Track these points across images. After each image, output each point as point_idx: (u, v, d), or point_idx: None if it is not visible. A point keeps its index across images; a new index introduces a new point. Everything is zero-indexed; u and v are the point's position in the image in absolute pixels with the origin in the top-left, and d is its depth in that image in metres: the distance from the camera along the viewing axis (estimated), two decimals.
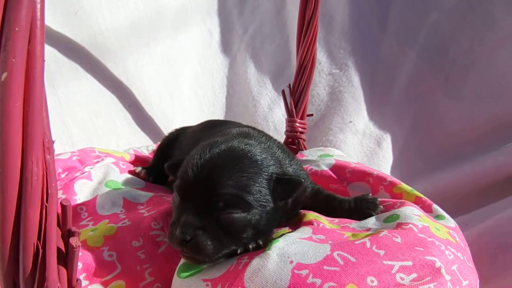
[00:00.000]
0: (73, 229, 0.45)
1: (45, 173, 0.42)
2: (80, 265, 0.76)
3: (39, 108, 0.41)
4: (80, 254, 0.78)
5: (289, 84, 1.40)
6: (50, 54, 1.33)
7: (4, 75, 0.37)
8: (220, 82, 1.78)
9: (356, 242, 0.70)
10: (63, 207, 0.44)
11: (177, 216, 0.74)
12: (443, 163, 1.56)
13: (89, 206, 0.93)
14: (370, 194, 1.00)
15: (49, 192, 0.42)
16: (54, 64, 1.34)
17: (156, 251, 0.83)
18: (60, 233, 0.46)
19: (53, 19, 1.37)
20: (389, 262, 0.66)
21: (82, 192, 0.96)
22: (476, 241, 1.17)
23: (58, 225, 0.45)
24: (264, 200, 0.76)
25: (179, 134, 1.23)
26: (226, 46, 1.83)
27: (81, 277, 0.76)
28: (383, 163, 1.58)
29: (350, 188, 1.16)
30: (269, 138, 0.97)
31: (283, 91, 1.42)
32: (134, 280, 0.78)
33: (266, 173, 0.77)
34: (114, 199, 0.95)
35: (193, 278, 0.73)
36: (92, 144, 1.36)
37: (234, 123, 1.17)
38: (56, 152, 1.17)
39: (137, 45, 1.55)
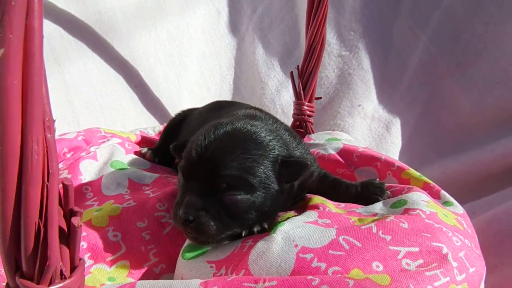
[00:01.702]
0: (75, 208, 0.45)
1: (45, 152, 0.41)
2: (85, 245, 0.77)
3: (38, 85, 0.40)
4: (84, 233, 0.78)
5: (298, 66, 1.37)
6: (56, 32, 1.32)
7: (1, 51, 0.35)
8: (227, 63, 1.75)
9: (362, 227, 0.69)
10: (65, 187, 0.44)
11: (181, 197, 0.73)
12: (452, 149, 1.54)
13: (94, 186, 0.93)
14: (378, 179, 0.98)
15: (50, 171, 0.42)
16: (59, 42, 1.33)
17: (161, 232, 0.83)
18: (62, 212, 0.45)
19: None
20: (395, 248, 0.65)
21: (87, 172, 0.96)
22: (484, 229, 1.16)
23: (60, 204, 0.45)
24: (269, 182, 0.75)
25: (186, 115, 1.21)
26: (234, 26, 1.80)
27: (86, 256, 0.76)
28: (391, 148, 1.56)
29: (358, 172, 1.14)
30: (276, 120, 0.95)
31: (291, 73, 1.40)
32: (138, 261, 0.78)
33: (272, 155, 0.76)
34: (119, 179, 0.94)
35: (197, 259, 0.73)
36: (98, 124, 1.36)
37: (242, 104, 1.15)
38: (62, 132, 1.17)
39: (144, 24, 1.53)
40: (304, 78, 1.36)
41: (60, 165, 0.98)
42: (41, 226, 0.42)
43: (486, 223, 1.18)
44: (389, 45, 1.63)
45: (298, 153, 0.90)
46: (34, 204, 0.41)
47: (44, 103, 0.41)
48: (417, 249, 0.66)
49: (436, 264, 0.64)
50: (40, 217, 0.42)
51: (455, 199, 1.49)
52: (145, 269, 0.78)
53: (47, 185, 0.42)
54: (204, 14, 1.73)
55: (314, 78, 1.36)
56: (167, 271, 0.79)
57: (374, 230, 0.68)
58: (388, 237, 0.67)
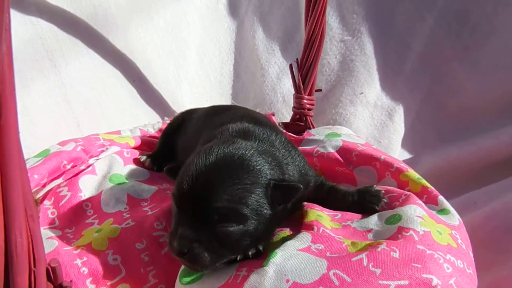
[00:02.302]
0: (64, 283, 0.46)
1: (30, 240, 0.42)
2: (86, 270, 0.79)
3: (17, 176, 0.40)
4: (85, 259, 0.80)
5: (297, 59, 1.34)
6: (50, 32, 1.29)
7: None
8: (227, 49, 1.71)
9: (353, 259, 0.70)
10: (53, 269, 0.45)
11: (175, 227, 0.75)
12: (456, 136, 1.52)
13: (94, 202, 0.95)
14: (375, 186, 0.99)
15: (36, 257, 0.43)
16: (53, 41, 1.30)
17: (160, 253, 0.85)
18: (52, 286, 0.46)
19: None
20: (385, 282, 0.66)
21: (87, 188, 0.98)
22: (483, 224, 1.17)
23: (49, 279, 0.46)
24: (261, 209, 0.76)
25: (184, 119, 1.21)
26: (233, 8, 1.74)
27: (88, 281, 0.79)
28: (394, 135, 1.55)
29: (356, 172, 1.15)
30: (271, 132, 0.94)
31: (290, 66, 1.37)
32: (138, 283, 0.81)
33: (263, 181, 0.76)
34: (118, 195, 0.96)
35: (193, 286, 0.75)
36: (97, 123, 1.37)
37: (238, 110, 1.14)
38: (61, 135, 1.18)
39: (139, 15, 1.49)
40: (304, 71, 1.34)
41: (60, 180, 1.00)
42: None
43: (485, 219, 1.19)
44: (392, 27, 1.57)
45: (291, 169, 0.89)
46: None
47: (25, 193, 0.42)
48: (407, 282, 0.67)
49: None
50: None
51: (457, 187, 1.50)
52: None
53: (34, 271, 0.43)
54: None
55: (313, 71, 1.33)
56: None
57: (365, 262, 0.69)
58: (378, 271, 0.68)
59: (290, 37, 1.66)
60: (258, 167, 0.77)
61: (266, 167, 0.78)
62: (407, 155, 1.59)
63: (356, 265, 0.69)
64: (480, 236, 1.14)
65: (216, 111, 1.13)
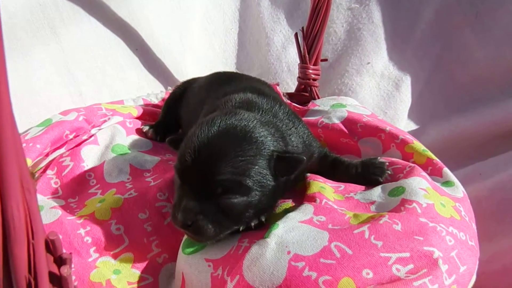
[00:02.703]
0: (64, 255, 0.46)
1: (27, 213, 0.42)
2: (89, 240, 0.80)
3: (12, 149, 0.40)
4: (88, 228, 0.81)
5: (302, 28, 1.31)
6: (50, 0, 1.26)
7: None
8: (231, 17, 1.67)
9: (355, 231, 0.70)
10: (52, 241, 0.45)
11: (178, 199, 0.75)
12: (464, 105, 1.49)
13: (97, 172, 0.95)
14: (379, 158, 0.97)
15: (33, 230, 0.43)
16: (53, 8, 1.27)
17: (162, 223, 0.86)
18: (53, 258, 0.47)
19: None
20: (386, 254, 0.66)
21: (89, 158, 0.98)
22: (488, 196, 1.17)
23: (49, 251, 0.46)
24: (265, 181, 0.75)
25: (186, 88, 1.19)
26: None
27: (91, 250, 0.80)
28: (400, 106, 1.52)
29: (361, 143, 1.14)
30: (274, 103, 0.93)
31: (295, 35, 1.34)
32: (142, 252, 0.82)
33: (267, 153, 0.76)
34: (121, 165, 0.96)
35: (196, 255, 0.76)
36: (100, 92, 1.35)
37: (241, 80, 1.11)
38: (63, 105, 1.18)
39: None
40: (309, 40, 1.30)
41: (62, 150, 1.00)
42: (31, 280, 0.44)
43: (490, 191, 1.18)
44: None
45: (295, 140, 0.88)
46: (22, 261, 0.43)
47: (21, 166, 0.41)
48: (408, 254, 0.67)
49: (426, 270, 0.65)
50: (30, 272, 0.44)
51: (463, 158, 1.49)
52: (149, 259, 0.82)
53: (32, 243, 0.43)
54: None
55: (319, 40, 1.30)
56: (170, 260, 0.83)
57: (367, 235, 0.69)
58: (380, 243, 0.68)
59: (296, 5, 1.61)
60: (261, 139, 0.76)
61: (269, 138, 0.78)
62: (413, 126, 1.57)
63: (357, 237, 0.69)
64: (485, 207, 1.14)
65: (219, 80, 1.11)
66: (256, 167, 0.74)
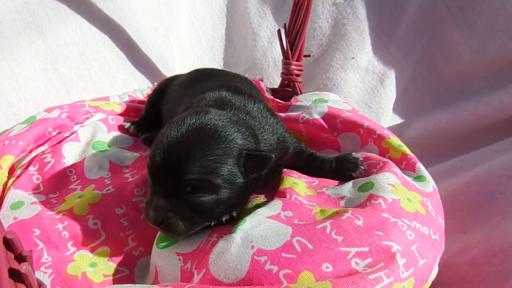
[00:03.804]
0: (24, 253, 0.49)
1: None
2: (67, 234, 0.83)
3: None
4: (66, 223, 0.84)
5: (285, 24, 1.32)
6: None
7: None
8: (219, 12, 1.69)
9: (317, 227, 0.72)
10: (10, 240, 0.48)
11: (150, 197, 0.77)
12: (447, 100, 1.51)
13: (77, 169, 0.98)
14: (353, 153, 1.00)
15: None
16: (39, 6, 1.29)
17: (139, 217, 0.89)
18: (13, 255, 0.49)
19: None
20: (346, 249, 0.69)
21: (70, 154, 1.00)
22: (464, 190, 1.19)
23: (10, 249, 0.49)
24: (234, 178, 0.77)
25: (167, 85, 1.21)
26: None
27: (69, 244, 0.83)
28: (384, 100, 1.54)
29: (340, 138, 1.16)
30: (249, 100, 0.94)
31: (278, 31, 1.35)
32: (118, 246, 0.85)
33: (235, 151, 0.78)
34: (100, 162, 0.99)
35: (168, 249, 0.79)
36: (87, 89, 1.38)
37: (219, 75, 1.13)
38: (50, 102, 1.20)
39: None
40: (292, 36, 1.32)
41: (45, 147, 1.03)
42: None
43: (467, 184, 1.20)
44: None
45: (267, 138, 0.91)
46: None
47: None
48: (367, 248, 0.69)
49: (383, 263, 0.68)
50: None
51: (447, 151, 1.51)
52: (125, 253, 0.85)
53: None
54: None
55: (301, 36, 1.31)
56: (146, 253, 0.86)
57: (328, 230, 0.72)
58: (340, 238, 0.70)
59: (283, 0, 1.63)
60: (230, 137, 0.78)
61: (239, 136, 0.80)
62: (398, 120, 1.59)
63: (319, 232, 0.71)
64: (461, 200, 1.16)
65: (198, 77, 1.13)
66: (225, 165, 0.76)
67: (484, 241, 1.03)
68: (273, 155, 0.80)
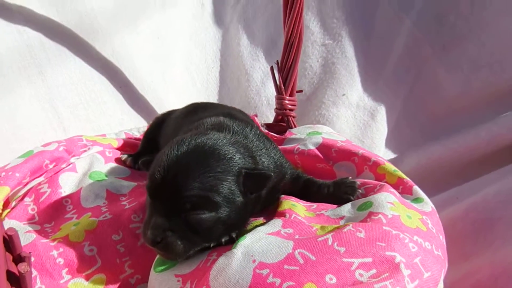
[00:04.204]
0: (23, 253, 0.48)
1: None
2: (61, 261, 0.81)
3: None
4: (61, 250, 0.82)
5: (277, 61, 1.38)
6: (36, 41, 1.33)
7: None
8: (213, 56, 1.75)
9: (319, 239, 0.72)
10: (10, 237, 0.47)
11: (148, 217, 0.76)
12: (438, 134, 1.54)
13: (73, 198, 0.97)
14: (350, 177, 1.00)
15: None
16: (40, 49, 1.34)
17: (136, 244, 0.87)
18: (11, 257, 0.48)
19: (38, 2, 1.37)
20: (349, 260, 0.68)
21: (67, 184, 1.00)
22: (462, 217, 1.19)
23: (9, 250, 0.48)
24: (233, 197, 0.77)
25: (164, 119, 1.23)
26: (218, 17, 1.79)
27: (63, 272, 0.80)
28: (377, 135, 1.57)
29: (336, 167, 1.17)
30: (246, 126, 0.96)
31: (271, 68, 1.40)
32: (114, 273, 0.83)
33: (235, 169, 0.78)
34: (97, 191, 0.98)
35: (166, 272, 0.76)
36: (84, 128, 1.39)
37: (216, 107, 1.16)
38: (47, 140, 1.21)
39: (125, 23, 1.53)
40: (284, 72, 1.37)
41: (42, 178, 1.02)
42: None
43: (465, 212, 1.20)
44: (372, 30, 1.62)
45: (265, 160, 0.91)
46: None
47: None
48: (370, 259, 0.68)
49: (387, 274, 0.67)
50: None
51: (441, 184, 1.52)
52: (121, 280, 0.83)
53: None
54: (187, 7, 1.72)
55: (294, 72, 1.36)
56: (142, 281, 0.83)
57: (330, 242, 0.71)
58: (343, 249, 0.69)
59: (274, 43, 1.70)
60: (229, 156, 0.79)
61: (238, 156, 0.80)
62: (391, 155, 1.61)
63: (321, 244, 0.70)
64: (460, 228, 1.16)
65: (195, 109, 1.15)
66: (224, 183, 0.76)
67: (487, 265, 1.02)
68: (272, 174, 0.81)
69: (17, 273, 0.48)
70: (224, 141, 0.81)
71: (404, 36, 1.58)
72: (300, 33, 1.31)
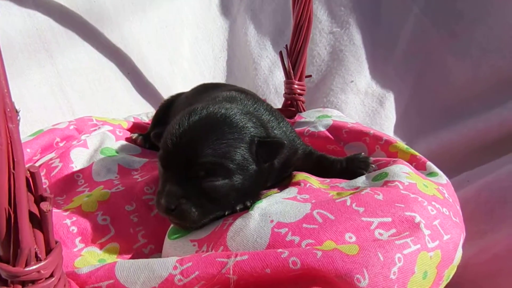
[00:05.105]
0: (45, 194, 0.47)
1: (9, 142, 0.43)
2: (75, 229, 0.80)
3: None
4: (74, 218, 0.81)
5: (286, 45, 1.38)
6: (46, 24, 1.33)
7: None
8: (220, 46, 1.76)
9: (337, 200, 0.71)
10: (32, 174, 0.46)
11: (162, 186, 0.75)
12: (447, 120, 1.54)
13: (85, 173, 0.96)
14: (363, 153, 1.00)
15: (15, 159, 0.44)
16: (50, 33, 1.34)
17: (149, 214, 0.86)
18: (33, 198, 0.47)
19: None
20: (368, 219, 0.67)
21: (78, 159, 0.99)
22: (475, 197, 1.18)
23: (30, 190, 0.47)
24: (247, 164, 0.76)
25: (174, 100, 1.23)
26: (226, 8, 1.80)
27: (77, 240, 0.79)
28: (385, 122, 1.56)
29: (347, 148, 1.16)
30: (257, 101, 0.96)
31: (280, 53, 1.40)
32: (127, 242, 0.82)
33: (247, 137, 0.77)
34: (109, 165, 0.97)
35: (182, 239, 0.75)
36: (92, 112, 1.39)
37: (227, 86, 1.16)
38: (56, 122, 1.21)
39: (133, 10, 1.54)
40: (293, 57, 1.37)
41: (52, 154, 1.02)
42: (11, 212, 0.45)
43: (477, 191, 1.19)
44: (380, 18, 1.62)
45: (277, 133, 0.91)
46: (2, 191, 0.44)
47: (4, 96, 0.43)
48: (389, 219, 0.67)
49: (408, 232, 0.66)
50: (10, 204, 0.44)
51: (451, 170, 1.50)
52: (135, 250, 0.81)
53: (13, 173, 0.44)
54: None
55: (303, 57, 1.36)
56: (156, 251, 0.82)
57: (348, 202, 0.70)
58: (361, 209, 0.68)
59: (281, 32, 1.70)
60: (242, 124, 0.78)
61: (250, 124, 0.80)
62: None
63: (339, 205, 0.70)
64: (472, 207, 1.14)
65: (205, 88, 1.15)
66: (237, 150, 0.75)
67: (504, 239, 1.00)
68: (285, 141, 0.80)
69: (38, 214, 0.47)
70: (236, 110, 0.81)
71: (411, 23, 1.58)
72: (310, 16, 1.32)
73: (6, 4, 1.27)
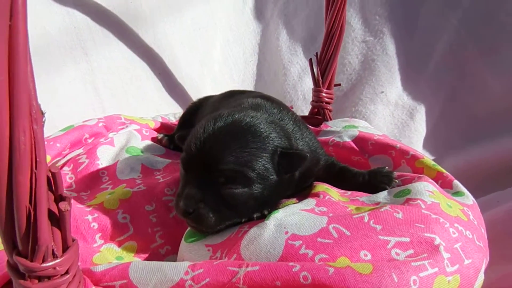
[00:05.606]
0: (64, 194, 0.49)
1: (33, 142, 0.45)
2: (96, 225, 0.82)
3: (24, 82, 0.44)
4: (96, 215, 0.84)
5: (316, 53, 1.37)
6: (83, 23, 1.38)
7: None
8: (251, 50, 1.76)
9: (354, 216, 0.70)
10: (53, 174, 0.48)
11: (181, 188, 0.76)
12: (478, 136, 1.49)
13: (110, 170, 0.99)
14: (387, 167, 0.98)
15: (37, 159, 0.46)
16: (86, 31, 1.39)
17: (168, 216, 0.87)
18: (53, 197, 0.49)
19: None
20: (385, 237, 0.66)
21: (104, 157, 1.02)
22: (503, 218, 1.13)
23: (51, 190, 0.49)
24: (267, 174, 0.76)
25: (201, 103, 1.25)
26: (259, 12, 1.81)
27: (97, 236, 0.81)
28: (415, 135, 1.53)
29: (372, 160, 1.14)
30: (283, 109, 0.96)
31: (310, 60, 1.40)
32: (145, 242, 0.83)
33: (270, 147, 0.77)
34: (133, 164, 0.99)
35: (197, 243, 0.76)
36: (122, 110, 1.42)
37: (253, 92, 1.17)
38: (86, 118, 1.24)
39: (168, 12, 1.56)
40: (323, 64, 1.36)
41: (80, 150, 1.05)
42: (31, 210, 0.46)
43: (507, 213, 1.15)
44: (415, 28, 1.58)
45: (300, 143, 0.90)
46: (24, 189, 0.45)
47: (30, 98, 0.45)
48: (407, 239, 0.66)
49: (426, 254, 0.64)
50: (30, 202, 0.46)
51: (479, 188, 1.46)
52: (151, 250, 0.83)
53: (35, 173, 0.46)
54: (230, 0, 1.74)
55: (333, 65, 1.35)
56: (172, 252, 0.83)
57: (366, 219, 0.69)
58: (379, 227, 0.67)
59: (313, 38, 1.69)
60: (266, 134, 0.78)
61: (274, 135, 0.80)
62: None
63: (357, 221, 0.68)
64: (499, 229, 1.10)
65: (232, 94, 1.16)
66: (260, 159, 0.75)
67: None
68: (308, 154, 0.79)
69: (57, 212, 0.49)
70: (261, 119, 0.81)
71: (448, 35, 1.54)
72: (342, 25, 1.30)
73: (47, 2, 1.32)
